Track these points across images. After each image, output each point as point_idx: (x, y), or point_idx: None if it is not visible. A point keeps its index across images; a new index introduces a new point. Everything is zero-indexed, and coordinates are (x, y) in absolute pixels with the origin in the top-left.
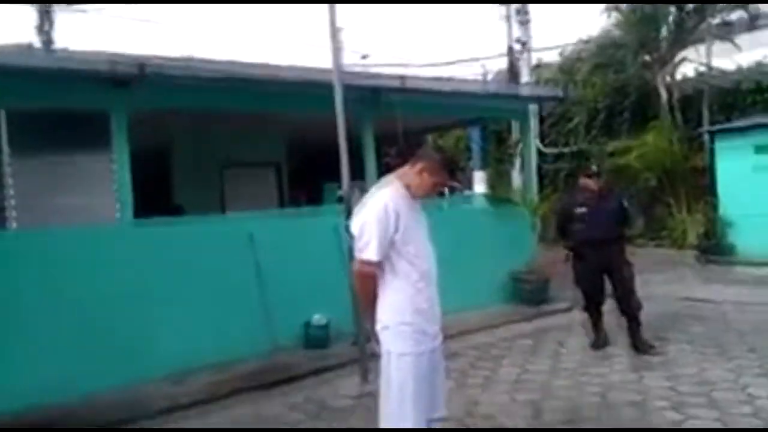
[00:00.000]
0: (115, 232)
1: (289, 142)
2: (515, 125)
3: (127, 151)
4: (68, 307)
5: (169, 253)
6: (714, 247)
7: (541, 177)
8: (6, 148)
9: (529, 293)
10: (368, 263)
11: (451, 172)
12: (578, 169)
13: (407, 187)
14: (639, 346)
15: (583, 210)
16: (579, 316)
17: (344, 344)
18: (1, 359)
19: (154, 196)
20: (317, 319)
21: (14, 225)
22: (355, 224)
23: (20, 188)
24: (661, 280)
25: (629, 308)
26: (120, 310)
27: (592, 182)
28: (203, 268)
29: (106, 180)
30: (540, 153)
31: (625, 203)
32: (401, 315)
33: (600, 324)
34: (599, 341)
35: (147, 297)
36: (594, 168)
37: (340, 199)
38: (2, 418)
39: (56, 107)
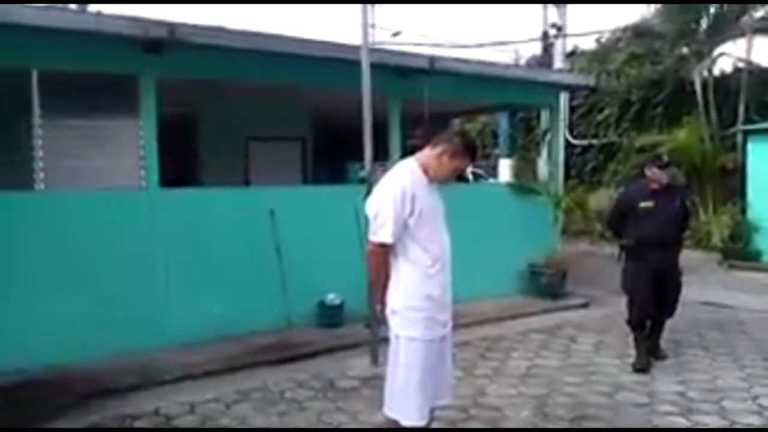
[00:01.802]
0: (141, 197)
1: (314, 118)
2: (544, 114)
3: (154, 116)
4: (92, 271)
5: (191, 221)
6: (739, 252)
7: (567, 168)
8: (37, 110)
9: (545, 286)
10: (381, 246)
11: (472, 156)
12: (646, 159)
13: (426, 169)
14: (654, 351)
15: (649, 204)
16: (595, 313)
17: (357, 326)
18: (23, 319)
19: (179, 164)
20: (331, 298)
21: (42, 186)
22: (371, 205)
23: (49, 149)
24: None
25: (670, 316)
26: (141, 275)
27: (662, 174)
28: (223, 239)
29: (133, 145)
30: (568, 144)
31: (687, 202)
32: (411, 300)
33: (646, 341)
34: (643, 361)
35: (167, 264)
36: (665, 158)
37: (363, 180)
38: (21, 376)
39: (87, 69)
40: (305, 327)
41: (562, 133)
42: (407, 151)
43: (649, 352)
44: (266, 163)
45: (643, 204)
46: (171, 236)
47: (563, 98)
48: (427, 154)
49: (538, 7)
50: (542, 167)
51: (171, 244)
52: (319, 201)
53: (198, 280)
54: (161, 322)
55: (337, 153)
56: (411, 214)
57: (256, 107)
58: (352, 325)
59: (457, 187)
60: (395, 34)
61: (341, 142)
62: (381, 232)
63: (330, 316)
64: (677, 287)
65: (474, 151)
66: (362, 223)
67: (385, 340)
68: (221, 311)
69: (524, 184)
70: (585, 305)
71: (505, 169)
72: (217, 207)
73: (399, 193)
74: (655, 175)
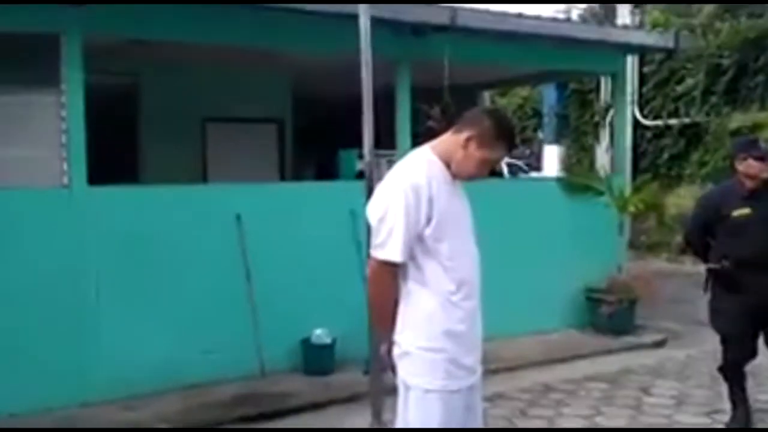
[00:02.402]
0: (62, 198)
1: (296, 92)
2: (605, 85)
3: (81, 90)
4: None
5: (130, 230)
6: None
7: (636, 158)
8: None
9: (608, 318)
10: (388, 265)
11: (509, 143)
12: (737, 147)
13: (447, 162)
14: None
15: (744, 212)
16: (674, 354)
17: (353, 371)
18: None
19: (115, 154)
20: (319, 335)
21: None
22: (373, 210)
23: None
24: None
25: None
26: (62, 303)
27: (761, 167)
28: (173, 254)
29: (53, 128)
30: (637, 125)
31: None
32: (428, 338)
33: (744, 393)
34: (741, 420)
35: (98, 288)
36: (762, 145)
37: (361, 174)
38: None
39: None
40: (284, 374)
41: (629, 110)
42: (421, 137)
43: (748, 408)
44: (231, 152)
45: (736, 212)
46: (103, 251)
47: (630, 64)
48: (448, 141)
49: None
50: (602, 156)
51: (103, 262)
52: (302, 203)
53: (139, 310)
54: (88, 367)
55: (326, 139)
56: (428, 222)
57: (218, 78)
58: (347, 370)
59: (488, 185)
60: None
61: (332, 124)
62: (387, 247)
63: (317, 358)
64: None
65: (511, 137)
66: (362, 233)
67: (393, 391)
68: (170, 352)
69: (578, 179)
70: (661, 343)
71: (551, 159)
72: (165, 211)
73: (411, 193)
74: (750, 169)
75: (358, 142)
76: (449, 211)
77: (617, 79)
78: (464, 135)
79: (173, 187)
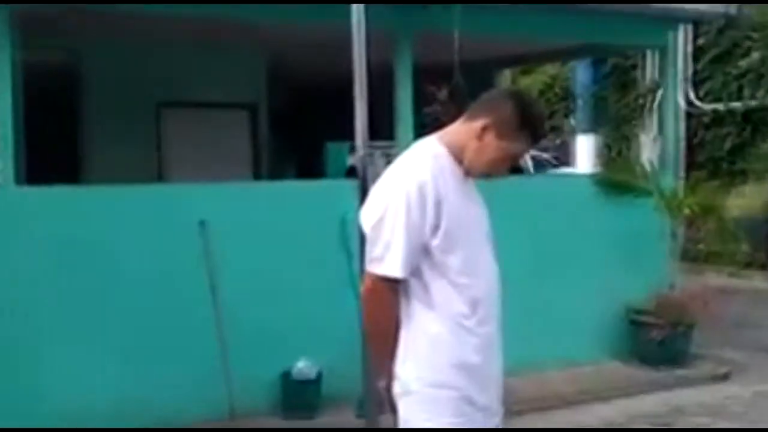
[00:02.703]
0: None
1: (273, 72)
2: (652, 60)
3: (8, 69)
4: None
5: (71, 239)
6: None
7: (690, 150)
8: None
9: (656, 346)
10: (386, 282)
11: (535, 133)
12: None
13: (458, 156)
14: None
15: None
16: (739, 390)
17: (344, 412)
18: None
19: (51, 146)
20: (302, 368)
21: None
22: (368, 215)
23: None
24: None
25: None
26: None
27: None
28: (124, 269)
29: None
30: (691, 108)
31: None
32: (435, 371)
33: None
34: None
35: (34, 310)
36: None
37: (353, 171)
38: None
39: None
40: (259, 415)
41: (681, 92)
42: (426, 126)
43: None
44: (192, 144)
45: None
46: (37, 264)
47: (682, 35)
48: (459, 130)
49: None
50: (648, 148)
51: (38, 278)
52: (280, 207)
53: (83, 336)
54: (25, 407)
55: (309, 128)
56: (435, 230)
57: (176, 55)
58: (335, 411)
59: (508, 184)
60: None
61: (317, 110)
62: (386, 261)
63: (300, 396)
64: None
65: (538, 124)
66: (354, 244)
67: None
68: (120, 388)
69: (619, 176)
70: (722, 378)
71: (585, 151)
72: (112, 217)
73: (415, 195)
74: None
75: (348, 133)
76: (461, 216)
77: (666, 53)
78: (479, 123)
79: (122, 188)
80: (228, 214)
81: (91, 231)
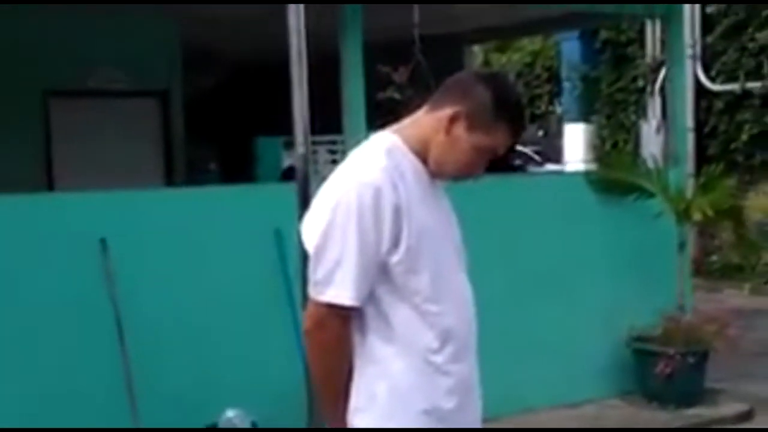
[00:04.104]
0: None
1: (189, 48)
2: (653, 32)
3: None
4: None
5: None
6: None
7: (700, 139)
8: None
9: (664, 380)
10: (335, 310)
11: (517, 124)
12: None
13: (422, 153)
14: None
15: None
16: None
17: None
18: None
19: None
20: (232, 419)
21: None
22: (311, 229)
23: None
24: None
25: None
26: None
27: None
28: (5, 301)
29: None
30: (701, 91)
31: None
32: (397, 421)
33: None
34: None
35: None
36: None
37: (290, 173)
38: None
39: None
40: None
41: (690, 70)
42: (380, 116)
43: None
44: (89, 142)
45: None
46: None
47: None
48: (422, 121)
49: None
50: (650, 140)
51: None
52: (200, 220)
53: None
54: None
55: (235, 119)
56: (395, 245)
57: (66, 29)
58: None
59: (482, 186)
60: None
61: (244, 96)
62: (334, 285)
63: None
64: None
65: (518, 113)
66: (293, 264)
67: None
68: None
69: (616, 174)
70: (746, 416)
71: (575, 144)
72: None
73: (369, 201)
74: None
75: (284, 125)
76: (427, 227)
77: (670, 23)
78: (447, 112)
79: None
80: (134, 230)
81: None
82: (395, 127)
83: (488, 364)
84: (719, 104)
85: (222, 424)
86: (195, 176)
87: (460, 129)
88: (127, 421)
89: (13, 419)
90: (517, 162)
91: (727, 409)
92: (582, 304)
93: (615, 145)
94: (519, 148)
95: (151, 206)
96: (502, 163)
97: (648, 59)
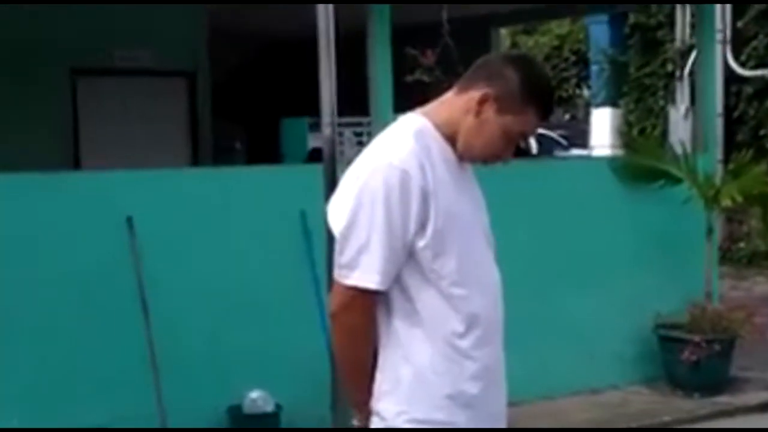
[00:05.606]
0: None
1: (217, 30)
2: (683, 16)
3: None
4: None
5: None
6: None
7: (729, 125)
8: None
9: (690, 368)
10: (360, 294)
11: (546, 107)
12: None
13: (450, 135)
14: None
15: None
16: None
17: None
18: None
19: None
20: (255, 400)
21: None
22: (338, 211)
23: None
24: None
25: None
26: None
27: None
28: (30, 278)
29: None
30: (731, 77)
31: None
32: (422, 404)
33: None
34: None
35: None
36: None
37: (316, 154)
38: None
39: None
40: None
41: (720, 55)
42: (408, 98)
43: None
44: (116, 121)
45: None
46: None
47: None
48: (450, 103)
49: None
50: (679, 125)
51: None
52: (226, 200)
53: None
54: None
55: (262, 100)
56: (422, 228)
57: (93, 9)
58: None
59: (509, 169)
60: None
61: (271, 78)
62: (360, 268)
63: None
64: None
65: (548, 96)
66: (319, 246)
67: None
68: (32, 421)
69: (644, 159)
70: None
71: (602, 129)
72: (13, 212)
73: (397, 184)
74: None
75: (311, 106)
76: (455, 211)
77: (701, 7)
78: (476, 94)
79: (25, 176)
80: (161, 209)
81: None
82: (423, 109)
83: (513, 349)
84: (749, 90)
85: (246, 406)
86: (220, 156)
87: (489, 111)
88: (151, 397)
89: (38, 393)
90: (533, 151)
91: (753, 397)
92: (608, 290)
93: (643, 130)
94: (545, 131)
95: (177, 185)
96: (518, 149)
97: (677, 43)
